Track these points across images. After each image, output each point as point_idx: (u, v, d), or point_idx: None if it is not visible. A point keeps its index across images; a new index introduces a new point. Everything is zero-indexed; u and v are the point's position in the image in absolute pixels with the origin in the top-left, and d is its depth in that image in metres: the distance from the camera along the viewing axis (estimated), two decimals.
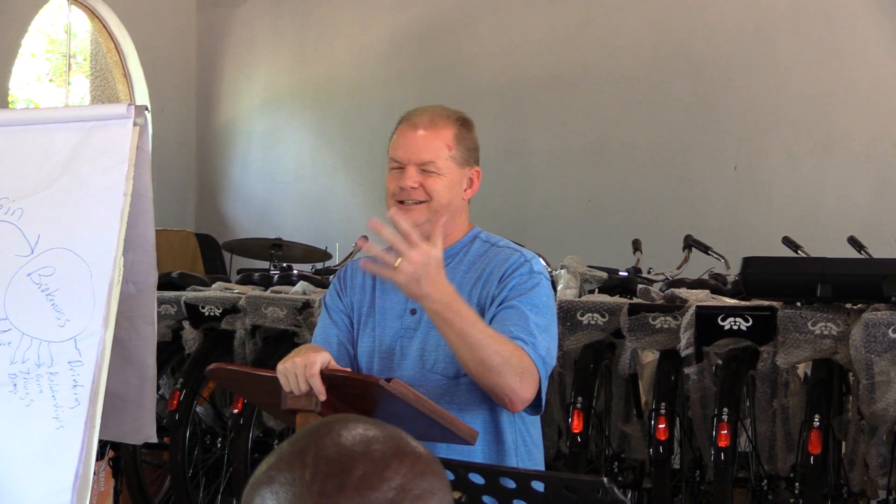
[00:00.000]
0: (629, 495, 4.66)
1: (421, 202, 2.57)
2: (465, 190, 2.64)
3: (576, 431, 4.37)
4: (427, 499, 1.11)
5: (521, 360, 2.40)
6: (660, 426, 4.30)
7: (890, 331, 3.90)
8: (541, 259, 2.68)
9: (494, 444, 2.55)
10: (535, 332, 2.47)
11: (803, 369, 4.43)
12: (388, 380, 2.28)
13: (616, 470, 4.62)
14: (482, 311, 2.55)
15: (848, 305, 4.13)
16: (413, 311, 2.61)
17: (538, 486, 1.94)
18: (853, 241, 5.29)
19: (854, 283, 4.05)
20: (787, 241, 5.34)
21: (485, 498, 1.97)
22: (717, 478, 4.17)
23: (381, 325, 2.64)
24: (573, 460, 4.40)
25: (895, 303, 3.93)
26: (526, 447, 2.61)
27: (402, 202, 2.59)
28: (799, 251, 5.26)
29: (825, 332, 4.08)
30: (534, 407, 2.49)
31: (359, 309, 2.69)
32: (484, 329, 2.38)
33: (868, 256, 5.09)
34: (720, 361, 4.46)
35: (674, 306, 4.46)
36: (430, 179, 2.57)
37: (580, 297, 4.79)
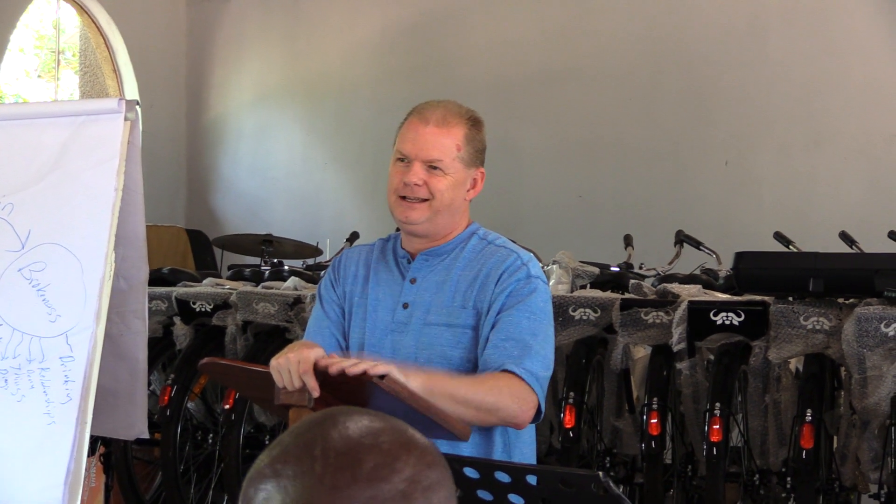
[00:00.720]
0: (621, 490, 4.66)
1: (423, 200, 2.56)
2: (468, 190, 2.62)
3: (568, 427, 4.37)
4: (436, 490, 1.11)
5: (512, 389, 2.43)
6: (652, 421, 4.30)
7: (882, 325, 3.91)
8: (536, 259, 2.67)
9: (483, 447, 2.56)
10: (532, 343, 2.48)
11: (795, 364, 4.43)
12: (382, 377, 2.27)
13: (608, 465, 4.62)
14: (478, 315, 2.55)
15: (840, 300, 4.13)
16: (405, 306, 2.61)
17: (533, 480, 1.94)
18: (844, 236, 5.29)
19: (846, 277, 4.05)
20: (779, 236, 5.34)
21: (479, 492, 1.97)
22: (709, 472, 4.17)
23: (373, 317, 2.63)
24: (565, 455, 4.40)
25: (887, 297, 3.93)
26: (519, 448, 2.61)
27: (403, 197, 2.58)
28: (790, 246, 5.26)
29: (817, 327, 4.09)
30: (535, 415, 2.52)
31: (350, 298, 2.68)
32: (466, 383, 2.41)
33: (860, 251, 5.10)
34: (712, 356, 4.46)
35: (666, 301, 4.46)
36: (435, 178, 2.55)
37: (572, 292, 4.79)
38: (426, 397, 2.34)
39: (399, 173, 2.58)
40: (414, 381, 2.32)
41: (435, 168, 2.55)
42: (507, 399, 2.41)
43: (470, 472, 1.96)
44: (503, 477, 1.95)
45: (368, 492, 1.07)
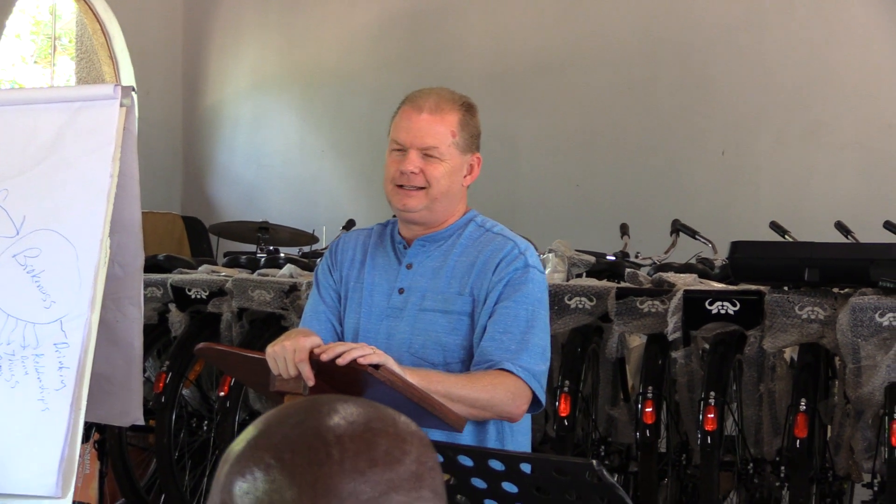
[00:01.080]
0: (615, 479, 4.66)
1: (420, 188, 2.56)
2: (464, 176, 2.62)
3: (563, 415, 4.38)
4: (437, 470, 1.13)
5: (507, 386, 2.46)
6: (647, 410, 4.30)
7: (877, 315, 3.91)
8: (533, 248, 2.68)
9: (476, 436, 2.57)
10: (530, 337, 2.50)
11: (790, 353, 4.43)
12: (377, 366, 2.27)
13: (603, 454, 4.62)
14: (474, 302, 2.55)
15: (835, 290, 4.14)
16: (401, 291, 2.60)
17: (527, 468, 1.94)
18: (840, 226, 5.29)
19: (841, 267, 4.05)
20: (775, 226, 5.34)
21: (473, 480, 1.97)
22: (704, 461, 4.17)
23: (369, 302, 2.63)
24: (560, 444, 4.40)
25: (882, 287, 3.93)
26: (513, 437, 2.62)
27: (400, 186, 2.58)
28: (786, 236, 5.26)
29: (812, 317, 4.09)
30: (534, 406, 2.54)
31: (346, 282, 2.69)
32: (461, 381, 2.43)
33: (855, 241, 5.10)
34: (707, 345, 4.46)
35: (661, 290, 4.45)
36: (431, 165, 2.55)
37: (568, 280, 4.79)
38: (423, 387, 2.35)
39: (395, 162, 2.58)
40: (410, 376, 2.33)
41: (430, 155, 2.55)
42: (501, 395, 2.44)
43: (464, 459, 1.96)
44: (497, 465, 1.95)
45: (387, 474, 1.08)
